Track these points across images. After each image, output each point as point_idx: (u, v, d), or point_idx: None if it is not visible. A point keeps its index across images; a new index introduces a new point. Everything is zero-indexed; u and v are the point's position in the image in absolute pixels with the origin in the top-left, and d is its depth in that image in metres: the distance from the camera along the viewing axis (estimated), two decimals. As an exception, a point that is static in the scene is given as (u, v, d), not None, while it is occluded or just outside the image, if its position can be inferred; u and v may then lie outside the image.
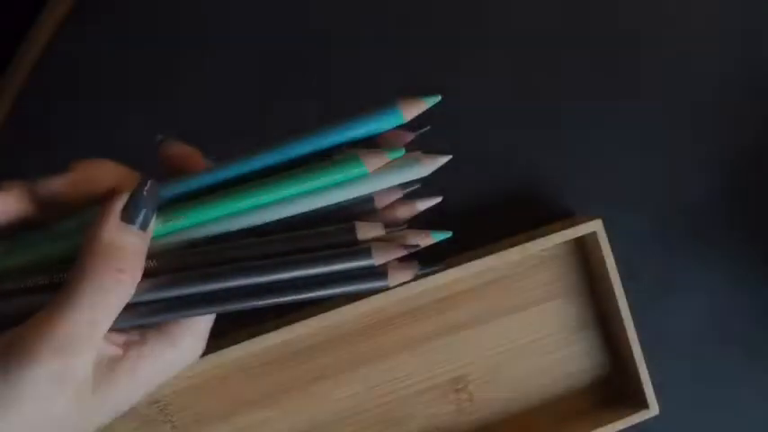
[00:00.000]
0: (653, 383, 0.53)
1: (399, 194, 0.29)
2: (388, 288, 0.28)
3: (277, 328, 0.49)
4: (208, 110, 0.54)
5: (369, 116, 0.28)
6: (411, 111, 0.28)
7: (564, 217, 0.56)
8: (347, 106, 0.49)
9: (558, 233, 0.52)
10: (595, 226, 0.52)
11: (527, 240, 0.52)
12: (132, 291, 0.28)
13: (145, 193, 0.28)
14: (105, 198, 0.29)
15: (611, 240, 0.52)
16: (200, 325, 0.31)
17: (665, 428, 0.56)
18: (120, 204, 0.27)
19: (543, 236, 0.52)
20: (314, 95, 0.54)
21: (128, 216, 0.27)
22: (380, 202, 0.29)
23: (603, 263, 0.52)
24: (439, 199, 0.30)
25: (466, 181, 0.56)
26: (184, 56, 0.54)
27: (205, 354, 0.48)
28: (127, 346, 0.29)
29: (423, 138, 0.30)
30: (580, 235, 0.52)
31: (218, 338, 0.51)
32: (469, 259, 0.51)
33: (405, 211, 0.30)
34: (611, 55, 0.57)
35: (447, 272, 0.51)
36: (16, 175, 0.30)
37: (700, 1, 0.57)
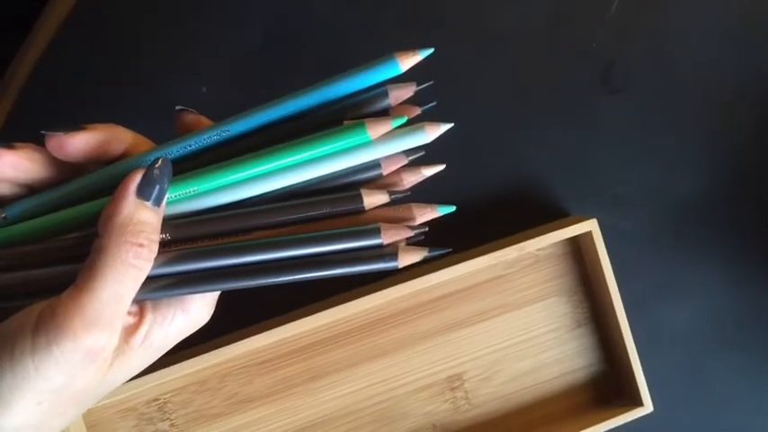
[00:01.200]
0: (647, 381, 0.54)
1: (404, 161, 0.31)
2: (397, 269, 0.29)
3: (274, 326, 0.50)
4: (210, 105, 0.54)
5: (368, 67, 0.30)
6: (407, 62, 0.29)
7: (559, 217, 0.57)
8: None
9: (554, 233, 0.52)
10: (590, 225, 0.53)
11: (523, 240, 0.52)
12: (151, 264, 0.29)
13: (158, 170, 0.29)
14: (118, 160, 0.31)
15: (605, 240, 0.53)
16: None
17: (660, 426, 0.57)
18: (135, 182, 0.28)
19: (539, 235, 0.52)
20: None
21: (142, 193, 0.28)
22: (387, 170, 0.30)
23: (598, 262, 0.53)
24: (443, 166, 0.31)
25: (462, 181, 0.56)
26: (184, 54, 0.55)
27: (203, 352, 0.49)
28: (139, 315, 0.30)
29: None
30: (575, 234, 0.53)
31: (217, 337, 0.52)
32: (466, 258, 0.52)
33: (410, 177, 0.31)
34: (607, 56, 0.57)
35: (444, 270, 0.51)
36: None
37: (696, 3, 0.58)
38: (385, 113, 0.30)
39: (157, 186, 0.29)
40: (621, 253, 0.55)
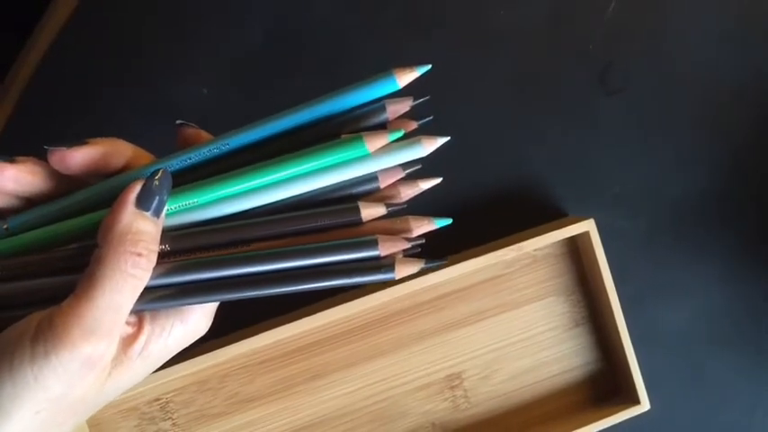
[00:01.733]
0: (645, 380, 0.54)
1: (401, 174, 0.31)
2: (394, 280, 0.30)
3: (275, 326, 0.50)
4: (210, 105, 0.54)
5: (366, 83, 0.30)
6: (404, 78, 0.30)
7: (557, 217, 0.57)
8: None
9: (552, 233, 0.53)
10: (588, 226, 0.53)
11: (521, 240, 0.53)
12: (149, 274, 0.29)
13: (157, 181, 0.29)
14: (118, 174, 0.31)
15: (603, 240, 0.53)
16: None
17: (657, 424, 0.58)
18: (134, 192, 0.29)
19: (537, 235, 0.53)
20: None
21: (142, 203, 0.29)
22: (384, 183, 0.31)
23: (596, 262, 0.53)
24: (440, 179, 0.32)
25: (460, 181, 0.56)
26: (184, 54, 0.55)
27: (204, 352, 0.49)
28: (137, 325, 0.31)
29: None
30: (573, 234, 0.53)
31: (218, 337, 0.52)
32: (464, 258, 0.52)
33: (407, 190, 0.31)
34: (606, 56, 0.57)
35: (442, 271, 0.51)
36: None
37: (694, 3, 0.58)
38: (382, 127, 0.30)
39: (156, 197, 0.29)
40: (619, 253, 0.56)
